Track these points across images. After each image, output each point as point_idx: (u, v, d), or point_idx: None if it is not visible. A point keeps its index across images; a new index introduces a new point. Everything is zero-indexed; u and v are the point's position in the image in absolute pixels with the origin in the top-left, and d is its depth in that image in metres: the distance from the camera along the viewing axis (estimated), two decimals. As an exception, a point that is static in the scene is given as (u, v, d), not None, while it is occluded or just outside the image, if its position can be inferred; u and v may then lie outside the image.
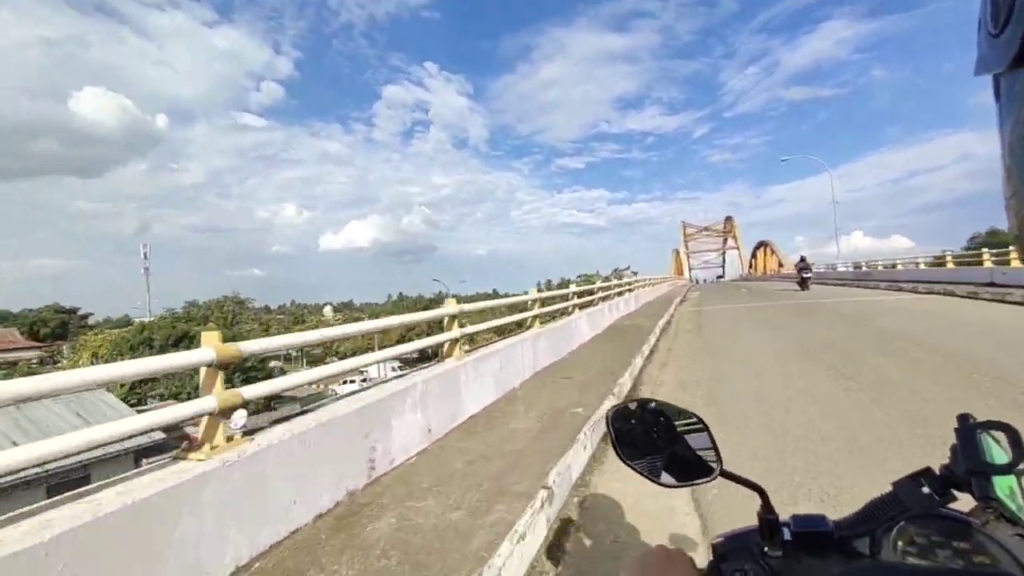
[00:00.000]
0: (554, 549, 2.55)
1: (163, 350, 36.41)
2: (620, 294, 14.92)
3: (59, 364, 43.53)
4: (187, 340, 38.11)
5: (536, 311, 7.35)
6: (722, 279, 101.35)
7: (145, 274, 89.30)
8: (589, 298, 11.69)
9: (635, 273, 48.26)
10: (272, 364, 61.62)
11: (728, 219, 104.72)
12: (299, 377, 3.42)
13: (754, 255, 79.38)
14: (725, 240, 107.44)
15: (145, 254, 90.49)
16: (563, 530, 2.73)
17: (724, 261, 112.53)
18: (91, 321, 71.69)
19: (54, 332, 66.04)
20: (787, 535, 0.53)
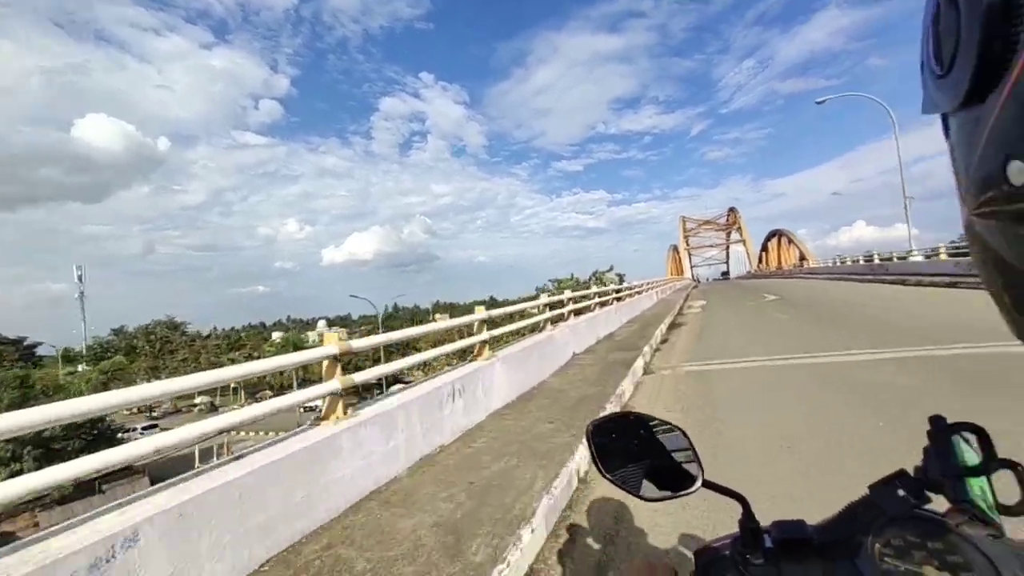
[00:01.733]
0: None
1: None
2: (539, 328, 5.86)
3: None
4: None
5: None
6: (727, 277, 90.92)
7: (80, 299, 79.98)
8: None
9: (621, 277, 38.17)
10: (199, 400, 52.00)
11: (731, 211, 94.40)
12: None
13: (764, 248, 68.88)
14: (728, 234, 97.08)
15: (79, 277, 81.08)
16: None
17: (728, 257, 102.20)
18: (40, 351, 62.64)
19: (-12, 366, 57.23)
20: (768, 543, 0.53)
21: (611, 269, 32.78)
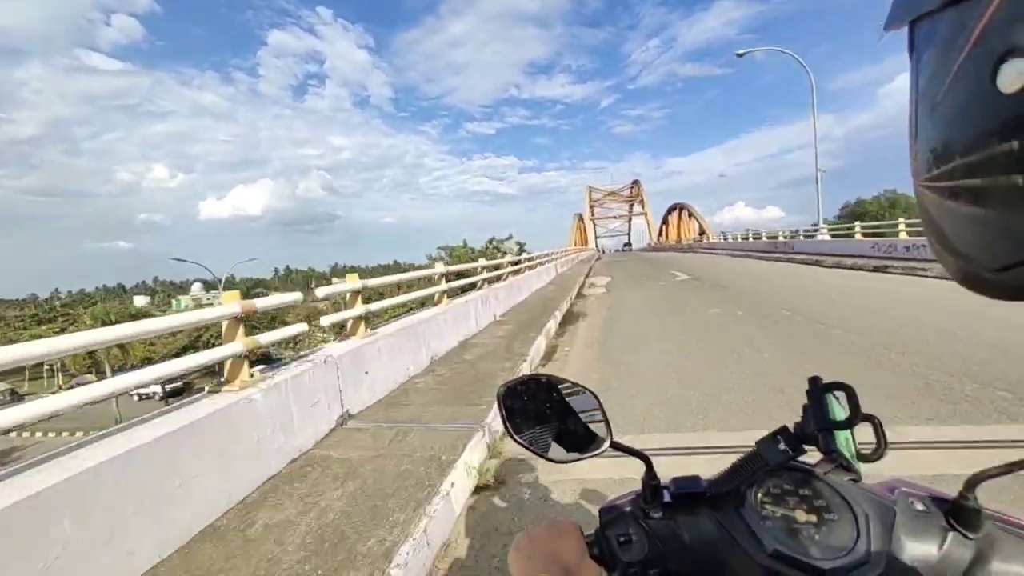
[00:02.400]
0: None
1: None
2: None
3: None
4: None
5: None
6: (629, 248, 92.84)
7: None
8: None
9: (521, 245, 34.50)
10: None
11: (635, 183, 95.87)
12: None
13: (665, 221, 69.77)
14: (631, 206, 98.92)
15: None
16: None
17: (630, 229, 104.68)
18: None
19: None
20: (667, 497, 0.57)
21: (510, 237, 28.94)
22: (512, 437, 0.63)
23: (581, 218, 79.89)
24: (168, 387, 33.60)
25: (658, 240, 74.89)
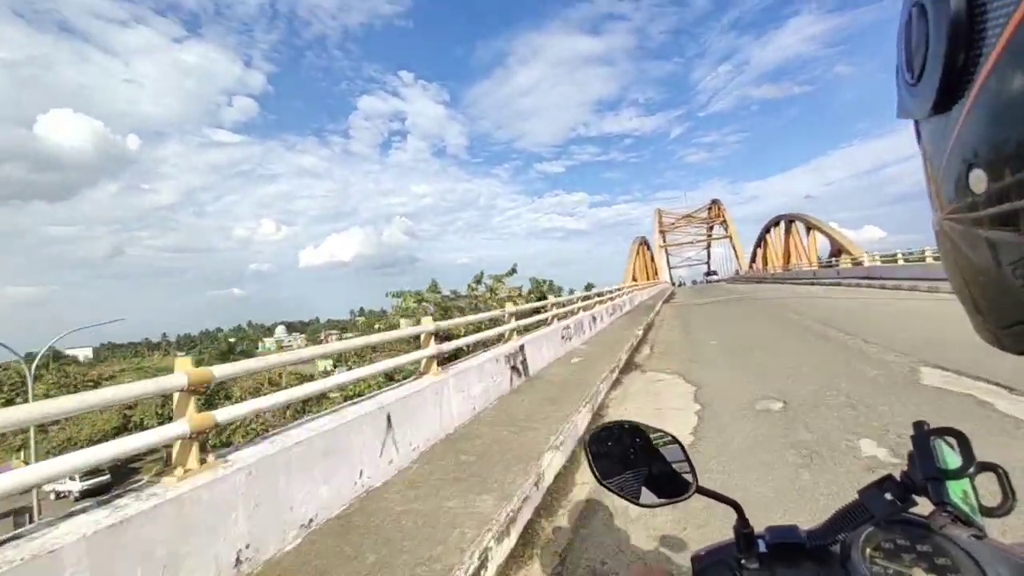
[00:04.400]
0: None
1: None
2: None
3: None
4: None
5: None
6: (715, 277, 76.52)
7: None
8: None
9: (540, 284, 22.38)
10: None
11: (714, 203, 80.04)
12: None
13: (762, 241, 53.72)
14: (711, 228, 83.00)
15: None
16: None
17: (709, 256, 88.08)
18: None
19: None
20: (762, 547, 0.55)
21: (513, 272, 17.19)
22: (599, 482, 0.63)
23: (646, 243, 65.76)
24: (88, 483, 25.55)
25: (750, 267, 59.04)
